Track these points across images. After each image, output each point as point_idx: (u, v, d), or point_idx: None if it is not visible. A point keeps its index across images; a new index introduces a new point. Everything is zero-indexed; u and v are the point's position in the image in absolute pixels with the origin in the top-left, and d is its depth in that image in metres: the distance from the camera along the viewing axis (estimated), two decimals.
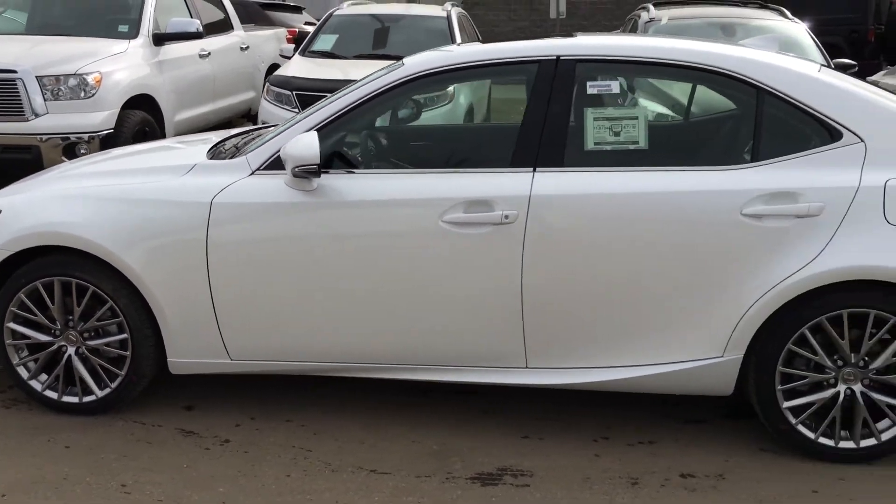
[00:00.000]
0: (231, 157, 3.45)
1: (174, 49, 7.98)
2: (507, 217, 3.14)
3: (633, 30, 8.28)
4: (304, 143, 3.11)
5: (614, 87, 3.30)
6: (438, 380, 3.37)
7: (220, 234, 3.27)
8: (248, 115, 9.59)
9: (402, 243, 3.22)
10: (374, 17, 9.31)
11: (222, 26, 9.54)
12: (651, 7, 8.15)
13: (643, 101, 3.47)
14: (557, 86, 3.25)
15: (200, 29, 8.14)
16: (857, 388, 3.15)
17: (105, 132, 6.83)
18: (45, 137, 6.61)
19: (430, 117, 4.10)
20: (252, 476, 3.10)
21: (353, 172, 3.33)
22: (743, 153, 3.18)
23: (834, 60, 7.58)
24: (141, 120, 7.25)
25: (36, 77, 6.57)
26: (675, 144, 3.43)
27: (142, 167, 3.66)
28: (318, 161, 3.10)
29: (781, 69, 3.24)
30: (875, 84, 8.54)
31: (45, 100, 6.65)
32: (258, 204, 3.28)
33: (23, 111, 6.55)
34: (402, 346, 3.32)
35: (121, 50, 7.36)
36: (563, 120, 3.23)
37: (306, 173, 3.16)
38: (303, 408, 3.61)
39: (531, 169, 3.20)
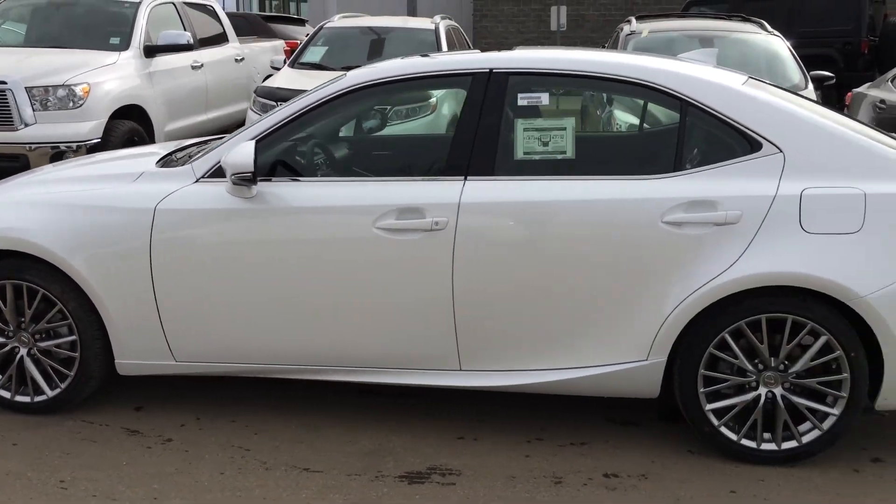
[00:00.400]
0: (180, 166, 3.58)
1: (166, 61, 8.18)
2: (437, 224, 3.25)
3: (615, 43, 8.37)
4: (239, 152, 3.24)
5: (544, 98, 3.41)
6: (373, 381, 3.48)
7: (162, 239, 3.40)
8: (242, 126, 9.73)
9: (337, 249, 3.33)
10: (364, 29, 9.47)
11: (217, 39, 9.71)
12: (633, 20, 8.24)
13: (573, 113, 3.57)
14: (490, 97, 3.36)
15: (191, 41, 8.34)
16: (778, 391, 3.23)
17: (93, 142, 7.02)
18: (33, 146, 6.82)
19: (397, 127, 4.20)
20: (187, 474, 3.21)
21: (294, 180, 3.45)
22: (667, 163, 3.27)
23: (811, 73, 7.65)
24: (129, 130, 7.43)
25: (25, 88, 6.78)
26: (601, 154, 3.53)
27: (96, 174, 3.79)
28: (251, 169, 3.22)
29: (705, 82, 3.33)
30: (862, 95, 8.60)
31: (34, 110, 6.85)
32: (200, 210, 3.40)
33: (12, 121, 6.75)
34: (339, 349, 3.43)
35: (111, 61, 7.57)
36: (495, 130, 3.33)
37: (242, 181, 3.28)
38: (249, 408, 3.72)
39: (463, 177, 3.31)
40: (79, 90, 7.02)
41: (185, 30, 8.63)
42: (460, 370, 3.41)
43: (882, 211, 3.12)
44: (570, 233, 3.23)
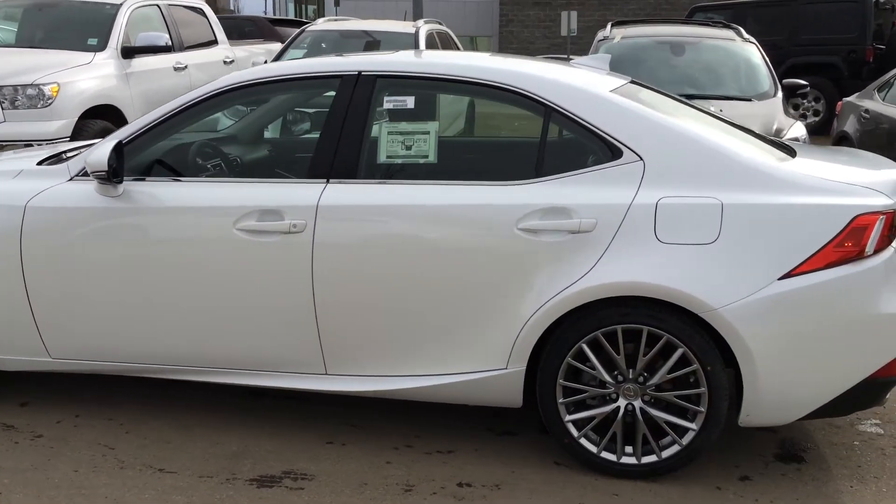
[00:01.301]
0: (57, 164, 3.61)
1: (145, 62, 8.27)
2: (295, 226, 3.23)
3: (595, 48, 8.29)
4: (98, 152, 3.26)
5: (409, 102, 3.38)
6: (241, 384, 3.47)
7: (33, 236, 3.43)
8: None
9: (199, 250, 3.33)
10: (346, 32, 9.50)
11: (207, 40, 9.81)
12: (609, 26, 8.16)
13: (438, 116, 3.55)
14: (356, 100, 3.34)
15: (169, 43, 8.43)
16: (638, 404, 3.15)
17: (61, 140, 7.12)
18: (2, 144, 6.96)
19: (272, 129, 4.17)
20: (42, 470, 3.23)
21: (165, 180, 3.46)
22: (528, 169, 3.22)
23: (784, 81, 7.51)
24: (101, 129, 7.52)
25: None
26: (464, 159, 3.49)
27: None
28: (106, 168, 3.23)
29: (568, 87, 3.27)
30: (852, 105, 8.40)
31: (3, 108, 7.00)
32: (69, 208, 3.42)
33: None
34: (205, 351, 3.43)
35: (85, 61, 7.69)
36: (359, 133, 3.31)
37: (102, 180, 3.30)
38: (128, 407, 3.74)
39: (325, 180, 3.29)
40: (47, 90, 7.14)
41: (168, 32, 8.75)
42: (326, 374, 3.39)
43: (738, 221, 3.03)
44: (427, 238, 3.19)
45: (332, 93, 3.40)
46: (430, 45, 9.22)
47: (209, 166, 3.61)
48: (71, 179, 3.49)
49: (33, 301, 3.48)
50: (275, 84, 3.50)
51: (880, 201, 3.06)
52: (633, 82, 3.58)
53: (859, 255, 3.01)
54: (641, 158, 3.14)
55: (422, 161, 3.31)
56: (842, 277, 2.99)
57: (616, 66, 4.17)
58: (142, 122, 3.49)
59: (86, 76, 7.56)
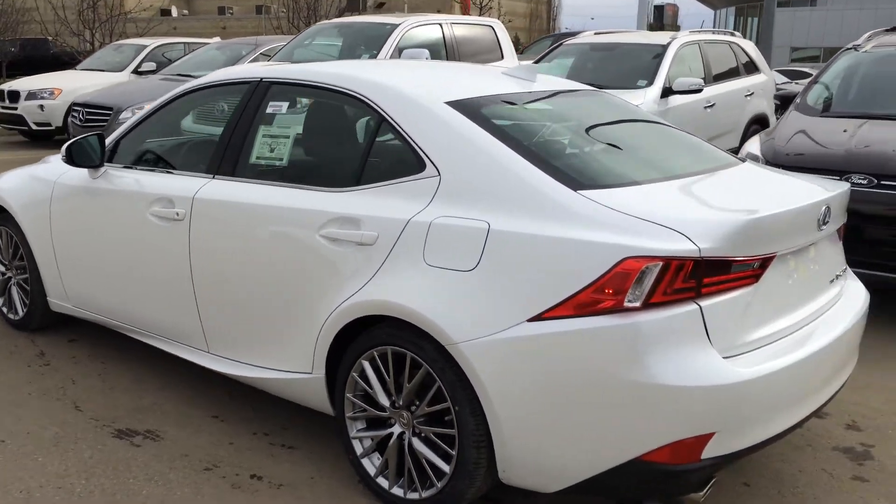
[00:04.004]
0: None
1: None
2: (178, 214, 3.63)
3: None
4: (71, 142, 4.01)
5: (283, 107, 3.53)
6: (156, 346, 3.96)
7: (55, 205, 4.31)
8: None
9: (129, 226, 3.89)
10: (594, 45, 9.24)
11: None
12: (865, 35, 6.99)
13: (300, 121, 3.59)
14: (250, 104, 3.61)
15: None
16: (409, 434, 2.97)
17: None
18: None
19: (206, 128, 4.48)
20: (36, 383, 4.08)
21: (126, 168, 4.06)
22: (352, 177, 3.19)
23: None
24: None
25: None
26: (310, 164, 3.49)
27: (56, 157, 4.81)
28: (63, 154, 3.96)
29: (401, 95, 3.15)
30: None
31: None
32: (74, 186, 4.23)
33: None
34: (135, 311, 3.98)
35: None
36: (243, 135, 3.57)
37: (67, 162, 4.06)
38: (111, 355, 4.45)
39: (212, 176, 3.62)
40: None
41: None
42: (208, 352, 3.72)
43: (501, 250, 2.70)
44: (258, 237, 3.35)
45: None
46: (686, 59, 8.66)
47: (152, 159, 4.12)
48: None
49: (58, 257, 4.36)
50: (209, 90, 3.90)
51: (671, 245, 2.48)
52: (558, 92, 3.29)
53: (618, 306, 2.49)
54: (439, 173, 2.94)
55: (277, 164, 3.46)
56: (598, 329, 2.51)
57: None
58: (127, 124, 4.16)
59: None
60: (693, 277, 2.50)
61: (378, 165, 3.15)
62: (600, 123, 3.43)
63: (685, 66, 8.51)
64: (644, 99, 7.81)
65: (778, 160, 5.42)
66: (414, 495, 2.97)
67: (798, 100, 6.39)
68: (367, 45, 9.57)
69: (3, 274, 4.86)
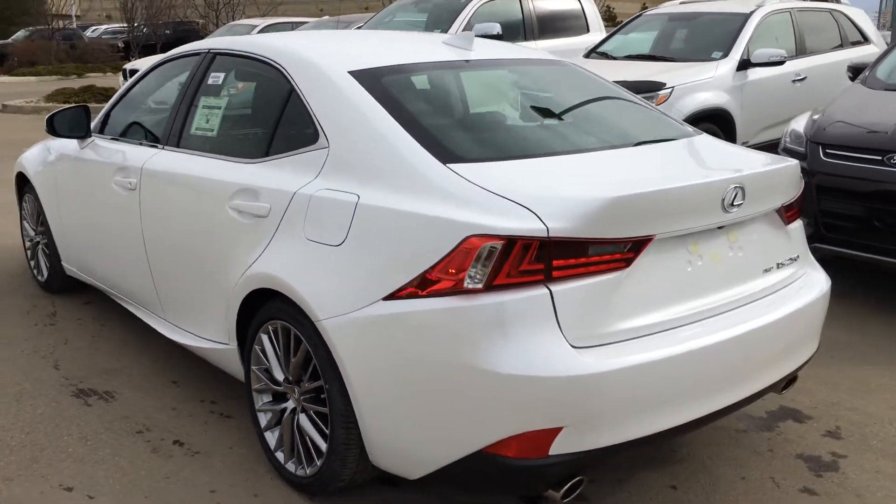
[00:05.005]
0: None
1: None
2: (131, 184, 3.73)
3: None
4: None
5: (221, 78, 3.53)
6: (134, 312, 4.10)
7: (58, 174, 4.55)
8: None
9: (99, 194, 4.05)
10: (672, 15, 8.72)
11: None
12: None
13: (230, 92, 3.55)
14: (196, 76, 3.64)
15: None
16: (298, 409, 2.93)
17: None
18: None
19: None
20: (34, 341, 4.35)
21: (110, 140, 4.19)
22: (263, 147, 3.15)
23: None
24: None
25: None
26: (230, 134, 3.43)
27: None
28: (46, 126, 4.15)
29: (309, 64, 3.08)
30: None
31: None
32: (68, 156, 4.45)
33: None
34: (111, 274, 4.14)
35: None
36: (188, 106, 3.61)
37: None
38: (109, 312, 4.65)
39: (161, 147, 3.69)
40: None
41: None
42: (164, 319, 3.82)
43: (366, 224, 2.59)
44: (185, 208, 3.39)
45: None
46: (774, 29, 8.02)
47: (128, 130, 4.21)
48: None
49: (62, 220, 4.60)
50: (175, 61, 3.96)
51: (517, 224, 2.31)
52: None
53: (459, 287, 2.34)
54: (328, 145, 2.86)
55: (209, 135, 3.47)
56: (440, 311, 2.37)
57: None
58: (115, 97, 4.31)
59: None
60: (542, 259, 2.31)
61: (285, 136, 3.10)
62: (532, 93, 3.23)
63: (771, 37, 7.89)
64: (715, 72, 7.32)
65: (818, 138, 4.94)
66: (302, 472, 2.93)
67: (867, 71, 5.79)
68: (441, 20, 9.44)
69: (33, 239, 5.18)
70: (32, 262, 5.26)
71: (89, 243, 4.32)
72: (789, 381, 3.02)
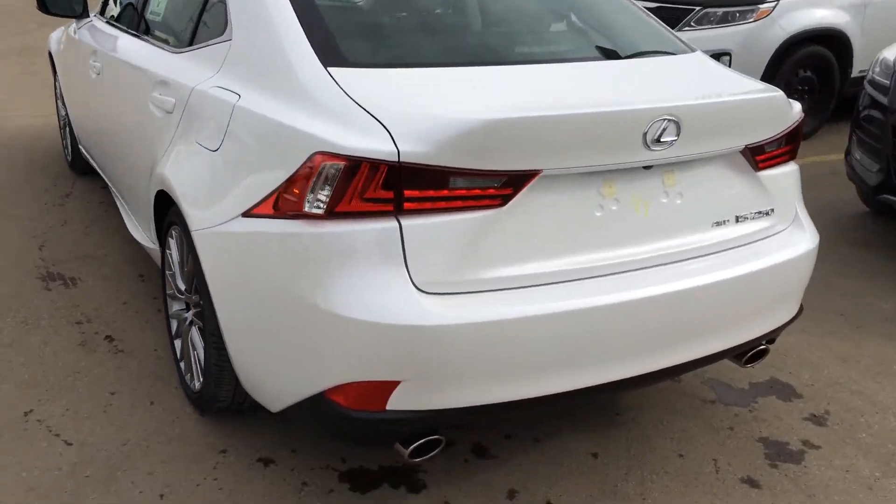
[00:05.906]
0: None
1: None
2: (96, 68, 3.64)
3: None
4: None
5: None
6: (118, 205, 4.03)
7: (65, 54, 4.50)
8: None
9: (84, 76, 3.96)
10: None
11: None
12: None
13: None
14: None
15: None
16: (194, 321, 2.76)
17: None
18: None
19: None
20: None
21: (106, 22, 4.02)
22: (189, 37, 2.90)
23: None
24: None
25: None
26: (169, 22, 3.16)
27: None
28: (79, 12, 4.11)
29: None
30: None
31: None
32: (69, 36, 4.39)
33: None
34: (103, 167, 4.07)
35: None
36: None
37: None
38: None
39: (125, 31, 3.53)
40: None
41: None
42: (129, 214, 3.71)
43: (240, 130, 2.31)
44: (127, 96, 3.23)
45: None
46: None
47: (119, 14, 4.03)
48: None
49: (71, 99, 4.57)
50: None
51: (365, 143, 1.97)
52: None
53: (299, 211, 2.05)
54: (231, 38, 2.58)
55: (157, 20, 3.25)
56: (286, 236, 2.09)
57: None
58: None
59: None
60: (391, 187, 1.97)
61: (205, 26, 2.83)
62: None
63: None
64: None
65: None
66: (193, 386, 2.78)
67: None
68: None
69: (63, 118, 5.20)
70: (64, 142, 5.30)
71: (86, 126, 4.26)
72: (755, 353, 2.58)
